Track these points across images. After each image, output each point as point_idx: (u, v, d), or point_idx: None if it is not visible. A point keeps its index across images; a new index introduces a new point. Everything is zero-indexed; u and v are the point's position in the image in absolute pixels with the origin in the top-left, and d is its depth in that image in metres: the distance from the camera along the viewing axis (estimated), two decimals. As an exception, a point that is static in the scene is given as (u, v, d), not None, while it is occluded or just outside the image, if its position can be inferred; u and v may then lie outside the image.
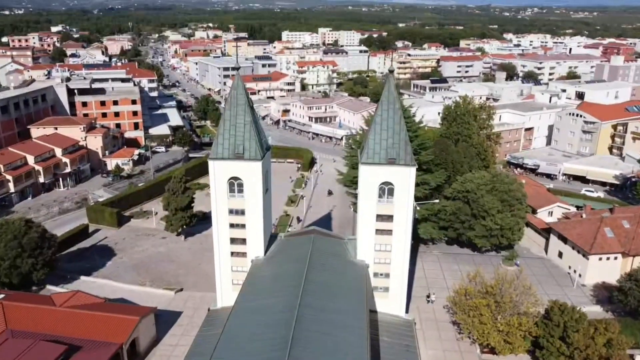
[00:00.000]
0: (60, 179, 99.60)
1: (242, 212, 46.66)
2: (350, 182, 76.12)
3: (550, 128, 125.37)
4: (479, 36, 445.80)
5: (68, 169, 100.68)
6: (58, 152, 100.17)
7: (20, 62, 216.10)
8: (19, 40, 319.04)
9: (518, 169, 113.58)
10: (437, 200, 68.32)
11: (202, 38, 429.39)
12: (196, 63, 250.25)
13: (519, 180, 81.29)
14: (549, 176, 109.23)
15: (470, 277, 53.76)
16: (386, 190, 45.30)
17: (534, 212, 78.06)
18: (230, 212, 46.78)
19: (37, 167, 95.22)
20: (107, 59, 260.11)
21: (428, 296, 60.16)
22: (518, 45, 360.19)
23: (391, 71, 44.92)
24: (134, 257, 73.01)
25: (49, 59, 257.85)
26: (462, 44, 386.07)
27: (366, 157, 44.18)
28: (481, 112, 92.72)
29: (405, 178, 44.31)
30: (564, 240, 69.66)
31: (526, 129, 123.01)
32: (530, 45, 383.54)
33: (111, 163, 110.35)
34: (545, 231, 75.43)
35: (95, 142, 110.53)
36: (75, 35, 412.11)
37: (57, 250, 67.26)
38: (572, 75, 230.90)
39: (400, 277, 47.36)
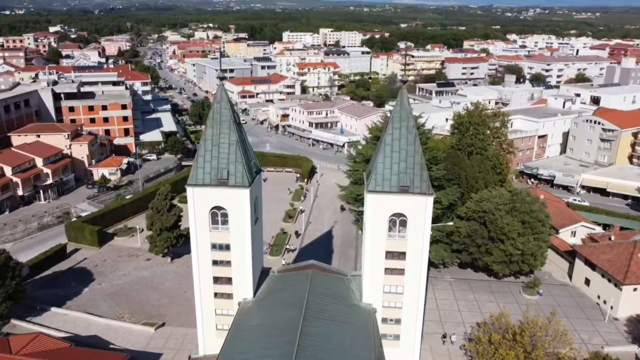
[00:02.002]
0: (41, 191, 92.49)
1: (227, 247, 39.59)
2: (354, 199, 69.01)
3: (565, 135, 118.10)
4: (482, 37, 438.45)
5: (50, 180, 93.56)
6: (39, 162, 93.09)
7: (12, 63, 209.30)
8: (13, 41, 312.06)
9: (532, 180, 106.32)
10: (451, 223, 61.12)
11: (201, 39, 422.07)
12: (193, 64, 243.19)
13: (537, 195, 74.25)
14: (565, 188, 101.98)
15: (493, 318, 46.52)
16: (397, 222, 38.17)
17: (555, 231, 70.80)
18: (213, 247, 39.70)
19: (15, 179, 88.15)
20: (103, 60, 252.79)
21: (444, 336, 52.83)
22: (524, 47, 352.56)
23: (404, 82, 37.75)
24: (113, 282, 65.89)
25: (43, 60, 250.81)
26: (466, 45, 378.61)
27: (374, 184, 37.05)
28: (495, 119, 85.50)
29: (420, 209, 37.20)
30: (592, 266, 62.43)
31: (539, 137, 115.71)
32: (536, 46, 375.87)
33: (98, 173, 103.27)
34: (569, 254, 68.27)
35: (80, 151, 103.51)
36: (73, 36, 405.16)
37: (25, 279, 60.56)
38: (581, 78, 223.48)
39: (413, 323, 40.21)
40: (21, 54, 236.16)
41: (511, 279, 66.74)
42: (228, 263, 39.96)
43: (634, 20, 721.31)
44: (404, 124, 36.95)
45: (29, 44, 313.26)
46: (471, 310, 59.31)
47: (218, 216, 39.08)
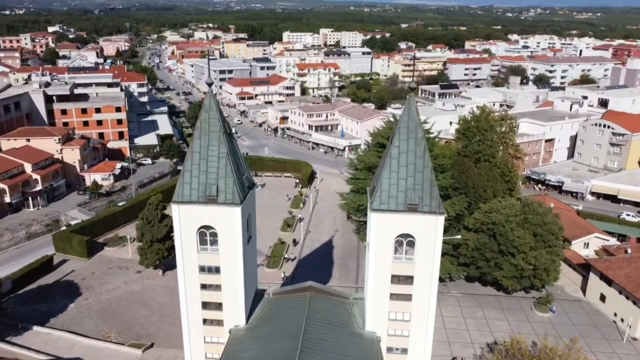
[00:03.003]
0: (30, 198, 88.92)
1: (217, 270, 36.02)
2: (355, 210, 65.47)
3: (572, 139, 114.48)
4: (484, 37, 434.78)
5: (39, 187, 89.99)
6: (28, 167, 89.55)
7: (7, 64, 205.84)
8: (10, 41, 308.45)
9: (539, 186, 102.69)
10: (459, 237, 57.52)
11: (201, 39, 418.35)
12: (192, 65, 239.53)
13: (547, 203, 70.68)
14: (573, 194, 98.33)
15: (507, 344, 42.87)
16: (404, 244, 34.59)
17: (568, 243, 67.16)
18: (202, 269, 36.12)
19: (2, 186, 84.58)
20: (101, 60, 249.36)
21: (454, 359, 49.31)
22: (526, 47, 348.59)
23: (412, 89, 34.12)
24: (101, 297, 62.35)
25: (39, 60, 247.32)
26: (468, 45, 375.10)
27: (378, 202, 33.45)
28: (502, 124, 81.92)
29: (430, 230, 33.62)
30: (608, 281, 58.84)
31: (546, 140, 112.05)
32: (538, 46, 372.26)
33: (90, 178, 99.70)
34: (582, 267, 64.71)
35: (72, 155, 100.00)
36: (71, 36, 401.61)
37: (7, 293, 57.18)
38: (585, 79, 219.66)
39: (422, 353, 36.59)
40: (17, 54, 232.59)
41: (521, 294, 63.15)
42: (218, 287, 36.39)
43: (635, 20, 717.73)
44: (412, 135, 33.37)
45: (26, 44, 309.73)
46: (480, 330, 55.75)
47: (207, 236, 35.50)
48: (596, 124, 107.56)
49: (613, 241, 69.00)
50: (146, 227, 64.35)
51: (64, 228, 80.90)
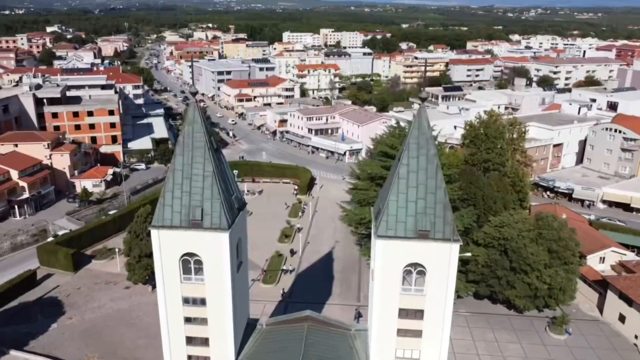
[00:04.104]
0: (16, 207, 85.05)
1: (203, 302, 32.09)
2: (358, 223, 61.54)
3: (581, 144, 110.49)
4: (485, 37, 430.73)
5: (26, 194, 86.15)
6: (14, 174, 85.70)
7: (2, 65, 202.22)
8: (6, 41, 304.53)
9: (548, 193, 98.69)
10: (469, 254, 53.50)
11: (200, 39, 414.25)
12: (189, 66, 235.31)
13: (559, 214, 66.76)
14: (583, 202, 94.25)
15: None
16: (414, 274, 30.64)
17: (582, 258, 63.18)
18: (186, 301, 32.20)
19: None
20: (99, 61, 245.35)
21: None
22: (529, 48, 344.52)
23: (423, 99, 30.14)
24: (85, 317, 58.40)
25: (35, 61, 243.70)
26: (469, 45, 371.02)
27: (385, 228, 29.49)
28: (512, 130, 77.97)
29: (442, 259, 29.70)
30: (628, 301, 54.88)
31: (554, 145, 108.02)
32: (540, 47, 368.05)
33: (80, 184, 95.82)
34: (598, 283, 60.75)
35: (62, 161, 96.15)
36: (69, 36, 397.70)
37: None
38: (590, 81, 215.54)
39: (432, 395, 32.62)
40: (11, 55, 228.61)
41: (534, 312, 59.03)
42: (204, 321, 32.45)
43: (636, 20, 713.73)
44: (423, 151, 29.41)
45: (22, 44, 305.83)
46: (492, 354, 51.82)
47: (191, 264, 31.56)
48: (606, 129, 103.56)
49: (631, 255, 64.95)
50: (134, 241, 60.49)
51: (50, 239, 77.02)
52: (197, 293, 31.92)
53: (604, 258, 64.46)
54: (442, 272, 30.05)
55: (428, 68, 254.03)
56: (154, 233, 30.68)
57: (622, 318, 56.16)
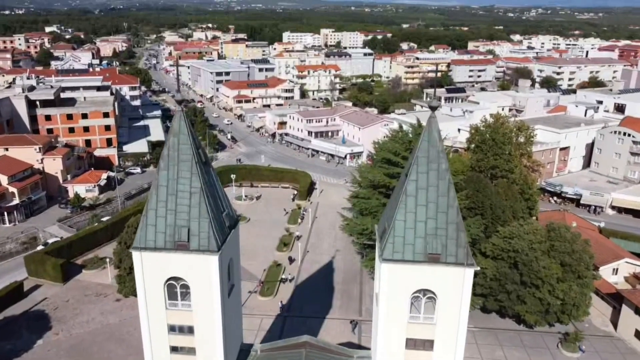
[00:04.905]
0: (6, 213, 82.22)
1: (190, 330, 29.18)
2: (359, 234, 58.64)
3: (588, 147, 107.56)
4: (487, 38, 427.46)
5: (16, 200, 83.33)
6: (3, 179, 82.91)
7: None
8: (3, 42, 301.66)
9: (554, 198, 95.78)
10: (477, 268, 50.31)
11: (199, 39, 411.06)
12: (188, 67, 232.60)
13: (569, 222, 63.98)
14: (589, 207, 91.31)
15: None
16: (423, 300, 27.75)
17: (595, 269, 60.26)
18: (171, 329, 29.28)
19: (-27, 201, 78.02)
20: (97, 61, 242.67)
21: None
22: (531, 48, 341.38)
23: (434, 108, 27.24)
24: (73, 332, 55.54)
25: (32, 62, 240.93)
26: (471, 46, 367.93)
27: (391, 251, 26.60)
28: (519, 134, 75.06)
29: (455, 285, 26.81)
30: (645, 317, 52.03)
31: (561, 149, 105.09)
32: (542, 47, 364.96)
33: (73, 189, 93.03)
34: (612, 297, 57.86)
35: (54, 165, 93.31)
36: (68, 36, 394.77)
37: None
38: (594, 82, 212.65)
39: None
40: (8, 55, 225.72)
41: (545, 328, 56.13)
42: (191, 350, 29.54)
43: (636, 20, 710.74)
44: (434, 166, 26.52)
45: (20, 44, 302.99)
46: (502, 375, 48.95)
47: (177, 288, 28.67)
48: (615, 132, 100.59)
49: (645, 266, 62.05)
50: (125, 253, 57.61)
51: (40, 247, 74.21)
52: (184, 320, 29.02)
53: (617, 269, 61.63)
54: (455, 299, 27.15)
55: (429, 69, 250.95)
56: (135, 255, 27.79)
57: (638, 334, 53.33)
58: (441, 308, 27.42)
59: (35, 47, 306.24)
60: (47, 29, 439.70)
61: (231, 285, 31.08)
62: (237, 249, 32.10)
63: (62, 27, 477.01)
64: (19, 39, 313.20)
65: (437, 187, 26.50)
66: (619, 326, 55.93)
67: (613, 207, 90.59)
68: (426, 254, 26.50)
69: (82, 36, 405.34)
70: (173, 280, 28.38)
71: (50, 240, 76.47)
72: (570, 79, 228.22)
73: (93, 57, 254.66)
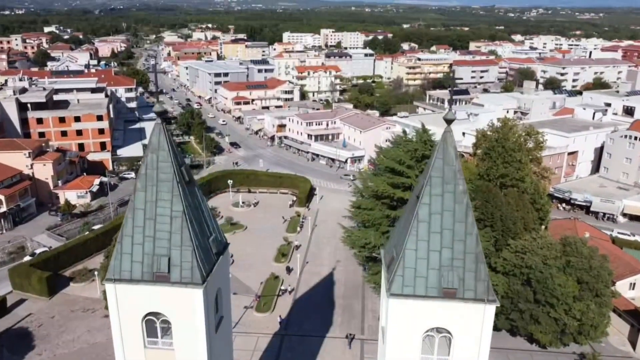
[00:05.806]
0: (-8, 221, 79.08)
1: (173, 371, 25.77)
2: (362, 247, 55.27)
3: (597, 151, 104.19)
4: (488, 38, 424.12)
5: (3, 208, 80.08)
6: (-10, 186, 79.77)
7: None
8: (0, 42, 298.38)
9: (563, 205, 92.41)
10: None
11: (199, 39, 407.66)
12: (187, 67, 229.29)
13: (579, 231, 60.69)
14: (597, 214, 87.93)
15: None
16: (437, 339, 24.38)
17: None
18: (151, 369, 25.92)
19: (-42, 209, 74.77)
20: (95, 62, 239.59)
21: None
22: (534, 48, 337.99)
23: (449, 121, 23.92)
24: (57, 352, 52.20)
25: (28, 62, 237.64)
26: (472, 46, 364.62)
27: (400, 285, 23.21)
28: (528, 139, 71.68)
29: (474, 323, 23.45)
30: (667, 337, 48.64)
31: (569, 153, 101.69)
32: (544, 47, 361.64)
33: (64, 196, 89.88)
34: (630, 314, 54.50)
35: (44, 171, 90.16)
36: (67, 37, 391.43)
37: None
38: (598, 83, 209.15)
39: None
40: (3, 56, 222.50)
41: (559, 348, 52.80)
42: (174, 393, 26.17)
43: (637, 21, 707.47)
44: (450, 188, 23.18)
45: (17, 45, 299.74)
46: (515, 401, 45.58)
47: (156, 324, 25.29)
48: (625, 136, 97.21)
49: (664, 281, 58.69)
50: (112, 267, 54.08)
51: (27, 258, 70.84)
52: (164, 359, 25.59)
53: (634, 284, 58.27)
54: (474, 339, 23.80)
55: (430, 69, 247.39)
56: (109, 288, 24.42)
57: (659, 356, 49.96)
58: (457, 348, 24.04)
59: (33, 47, 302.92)
60: (46, 29, 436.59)
61: (220, 318, 27.68)
62: (226, 276, 28.69)
63: (61, 28, 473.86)
64: (16, 39, 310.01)
65: (454, 211, 23.15)
66: (638, 346, 52.56)
67: (624, 215, 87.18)
68: (441, 288, 23.11)
69: (81, 36, 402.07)
70: (152, 315, 24.97)
71: (38, 250, 73.15)
72: (574, 80, 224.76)
73: (91, 58, 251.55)
